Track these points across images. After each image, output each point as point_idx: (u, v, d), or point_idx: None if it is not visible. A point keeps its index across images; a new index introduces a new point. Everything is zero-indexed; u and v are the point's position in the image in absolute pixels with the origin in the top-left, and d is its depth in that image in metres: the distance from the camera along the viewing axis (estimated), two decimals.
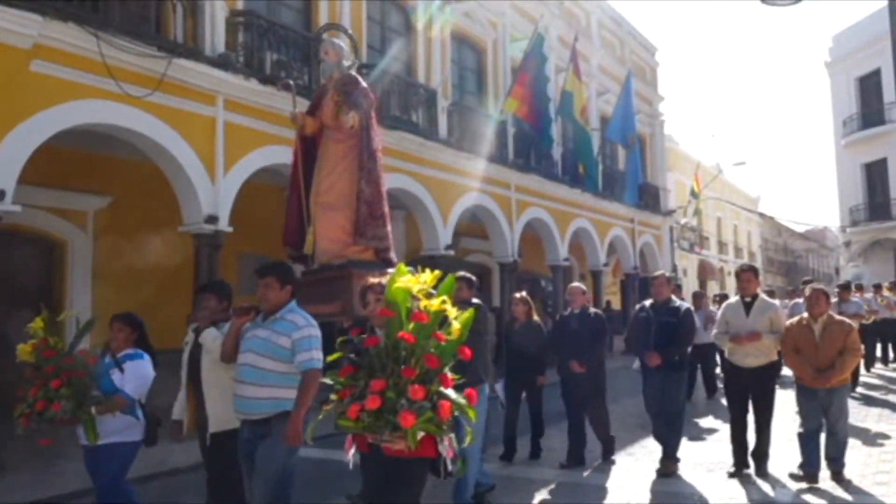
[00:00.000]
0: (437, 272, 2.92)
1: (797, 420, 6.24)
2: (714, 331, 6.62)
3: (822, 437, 5.96)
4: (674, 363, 6.44)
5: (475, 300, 5.32)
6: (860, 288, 14.02)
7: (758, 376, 6.19)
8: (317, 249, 5.22)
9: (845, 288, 12.12)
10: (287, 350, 3.98)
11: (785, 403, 8.22)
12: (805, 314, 6.02)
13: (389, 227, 5.26)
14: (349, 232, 5.09)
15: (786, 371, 8.85)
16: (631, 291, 21.55)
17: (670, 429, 6.46)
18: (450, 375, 2.75)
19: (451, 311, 2.80)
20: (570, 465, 6.88)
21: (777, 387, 6.73)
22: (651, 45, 25.68)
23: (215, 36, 9.53)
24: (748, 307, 6.24)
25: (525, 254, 17.14)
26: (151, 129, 8.67)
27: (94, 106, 8.11)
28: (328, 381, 2.99)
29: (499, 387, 6.90)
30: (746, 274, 6.38)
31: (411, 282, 2.84)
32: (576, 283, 7.39)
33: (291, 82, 5.54)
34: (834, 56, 30.08)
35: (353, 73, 5.59)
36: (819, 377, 5.72)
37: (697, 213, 29.75)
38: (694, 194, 28.24)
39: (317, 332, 4.09)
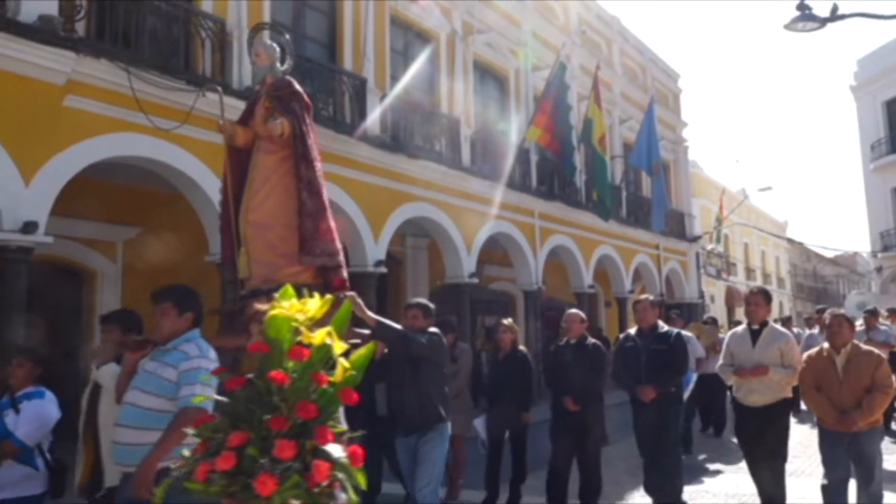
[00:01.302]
0: (329, 297, 2.25)
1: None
2: (719, 362, 5.83)
3: (853, 489, 5.14)
4: (669, 395, 5.86)
5: (432, 329, 4.94)
6: (894, 313, 12.74)
7: (765, 416, 5.36)
8: (251, 273, 4.61)
9: (872, 313, 10.99)
10: (173, 384, 3.35)
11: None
12: (826, 344, 5.15)
13: (339, 244, 4.61)
14: (281, 253, 4.45)
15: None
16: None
17: (670, 469, 5.85)
18: (333, 428, 2.11)
19: (338, 346, 2.18)
20: None
21: (795, 422, 6.05)
22: (673, 71, 25.70)
23: (242, 69, 9.72)
24: (755, 336, 5.48)
25: (549, 281, 17.06)
26: (180, 161, 8.83)
27: (125, 139, 8.29)
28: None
29: (479, 423, 6.45)
30: (755, 297, 5.59)
31: (294, 309, 2.21)
32: (573, 310, 6.72)
33: (219, 88, 4.91)
34: (859, 80, 29.83)
35: (288, 77, 5.01)
36: (844, 419, 4.85)
37: (720, 238, 29.43)
38: (719, 220, 28.00)
39: (210, 364, 3.44)
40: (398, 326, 4.56)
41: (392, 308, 15.37)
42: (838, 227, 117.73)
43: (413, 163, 12.43)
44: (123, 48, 8.34)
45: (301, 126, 4.66)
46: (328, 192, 11.09)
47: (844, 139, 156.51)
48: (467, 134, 14.24)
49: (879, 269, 29.41)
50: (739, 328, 5.79)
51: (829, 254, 51.02)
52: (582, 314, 6.55)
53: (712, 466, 8.41)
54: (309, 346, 2.15)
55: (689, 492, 6.96)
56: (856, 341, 5.12)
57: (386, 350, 4.79)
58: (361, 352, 2.30)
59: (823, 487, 5.10)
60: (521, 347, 6.72)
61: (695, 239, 25.16)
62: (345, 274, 4.61)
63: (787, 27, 8.32)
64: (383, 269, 11.87)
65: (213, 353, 3.56)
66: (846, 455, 4.95)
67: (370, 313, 4.30)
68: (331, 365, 2.19)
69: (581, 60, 18.79)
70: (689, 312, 23.27)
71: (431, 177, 12.91)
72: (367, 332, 4.24)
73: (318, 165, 4.69)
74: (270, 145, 4.67)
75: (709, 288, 28.92)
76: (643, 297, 6.31)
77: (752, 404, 5.40)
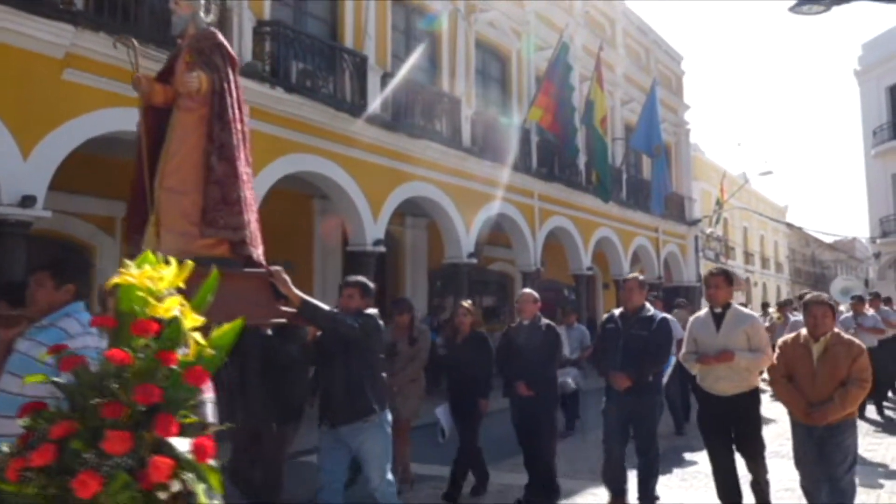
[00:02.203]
0: (189, 263, 1.92)
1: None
2: (682, 350, 5.38)
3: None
4: (646, 386, 5.34)
5: (370, 310, 4.55)
6: (888, 301, 12.09)
7: (735, 406, 5.00)
8: (161, 244, 4.14)
9: (860, 300, 10.52)
10: (51, 367, 2.71)
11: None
12: (804, 331, 4.69)
13: (250, 216, 4.10)
14: (196, 221, 4.02)
15: None
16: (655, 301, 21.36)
17: (646, 467, 5.44)
18: (185, 418, 1.73)
19: (191, 319, 1.82)
20: None
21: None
22: (677, 53, 25.53)
23: (242, 45, 9.64)
24: (719, 320, 5.10)
25: (548, 263, 17.09)
26: None
27: (124, 113, 8.22)
28: None
29: (440, 412, 6.14)
30: (715, 279, 5.17)
31: (147, 278, 1.84)
32: (527, 290, 6.33)
33: (134, 40, 4.34)
34: (863, 64, 29.66)
35: (212, 28, 4.58)
36: (813, 413, 4.45)
37: (719, 221, 29.44)
38: (719, 204, 27.99)
39: (97, 342, 2.90)
40: (326, 307, 4.13)
41: (391, 288, 15.42)
42: (838, 212, 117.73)
43: (413, 142, 12.38)
44: (122, 22, 8.27)
45: (221, 82, 4.17)
46: (327, 169, 11.12)
47: (847, 124, 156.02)
48: (468, 114, 14.17)
49: (878, 255, 29.44)
50: (702, 312, 5.39)
51: (828, 239, 51.16)
52: (535, 294, 6.18)
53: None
54: (159, 320, 1.81)
55: (681, 474, 7.02)
56: (838, 329, 4.68)
57: (318, 332, 4.55)
58: (226, 328, 1.91)
59: (804, 489, 4.71)
60: (481, 331, 6.33)
61: (694, 222, 25.15)
62: (252, 252, 4.05)
63: (792, 10, 8.25)
64: (382, 249, 11.87)
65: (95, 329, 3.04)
66: (816, 451, 4.54)
67: (296, 291, 3.94)
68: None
69: (584, 41, 18.66)
70: (687, 296, 23.33)
71: (431, 156, 12.87)
72: (293, 310, 3.92)
73: (239, 127, 4.20)
74: (190, 103, 4.19)
75: (707, 271, 28.94)
76: (632, 275, 5.84)
77: (721, 393, 5.02)
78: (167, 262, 1.91)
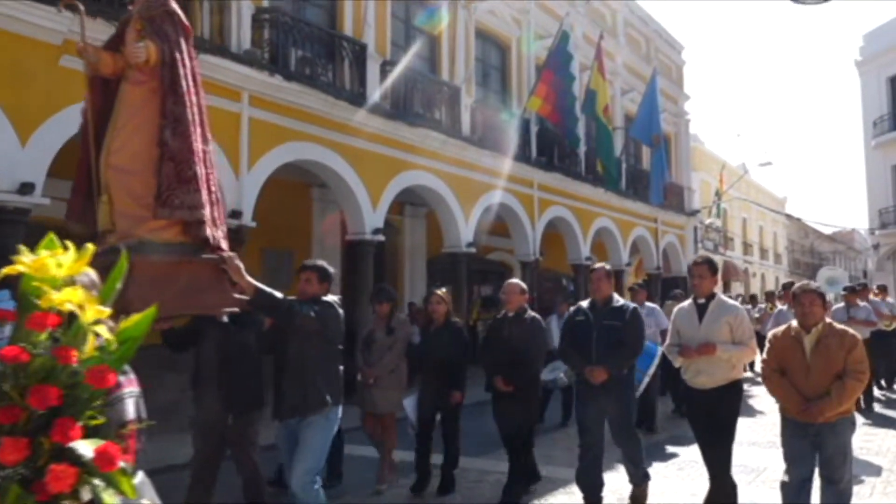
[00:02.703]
0: (91, 247, 1.72)
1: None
2: (666, 342, 5.26)
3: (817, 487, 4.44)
4: (621, 379, 5.18)
5: (327, 297, 4.32)
6: (883, 290, 11.99)
7: (714, 399, 4.82)
8: (116, 227, 3.86)
9: (852, 291, 10.26)
10: None
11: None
12: (794, 322, 4.47)
13: (207, 195, 3.76)
14: (146, 203, 3.68)
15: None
16: (654, 292, 21.39)
17: (633, 457, 5.35)
18: (92, 421, 1.53)
19: (92, 311, 1.59)
20: None
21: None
22: (678, 43, 25.43)
23: (241, 33, 9.60)
24: (702, 311, 4.92)
25: (547, 252, 17.08)
26: None
27: None
28: None
29: (408, 403, 5.97)
30: (699, 268, 4.99)
31: (44, 265, 1.62)
32: (514, 280, 6.13)
33: (80, 4, 3.92)
34: (864, 55, 29.57)
35: None
36: (808, 409, 4.20)
37: (720, 213, 29.43)
38: (718, 194, 27.97)
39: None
40: (280, 295, 3.89)
41: (390, 277, 15.41)
42: (837, 203, 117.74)
43: (412, 131, 12.35)
44: (120, 8, 8.21)
45: (172, 52, 3.85)
46: (326, 158, 11.08)
47: (847, 115, 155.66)
48: (468, 103, 14.13)
49: (877, 246, 29.47)
50: (685, 303, 5.20)
51: (827, 230, 51.11)
52: (522, 284, 5.98)
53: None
54: (59, 312, 1.59)
55: (678, 463, 7.05)
56: (830, 320, 4.45)
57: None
58: (137, 319, 1.69)
59: (783, 485, 4.43)
60: (456, 320, 6.13)
61: (693, 213, 25.14)
62: (209, 232, 3.67)
63: (794, 0, 8.23)
64: (381, 238, 11.86)
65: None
66: (811, 449, 4.29)
67: (248, 278, 3.73)
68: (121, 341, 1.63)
69: (584, 30, 18.59)
70: (685, 287, 23.35)
71: (431, 146, 12.84)
72: (245, 297, 3.75)
73: (195, 100, 3.89)
74: (139, 75, 3.86)
75: (691, 261, 28.93)
76: (599, 264, 5.56)
77: (701, 386, 4.86)
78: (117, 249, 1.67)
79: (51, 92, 7.53)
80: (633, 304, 5.45)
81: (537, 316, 5.83)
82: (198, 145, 3.82)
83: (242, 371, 4.67)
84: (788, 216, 43.12)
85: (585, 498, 5.20)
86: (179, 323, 4.60)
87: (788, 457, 4.41)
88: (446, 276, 13.88)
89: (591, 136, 18.41)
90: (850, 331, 4.38)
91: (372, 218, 11.63)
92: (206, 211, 3.69)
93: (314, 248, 14.03)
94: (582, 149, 17.70)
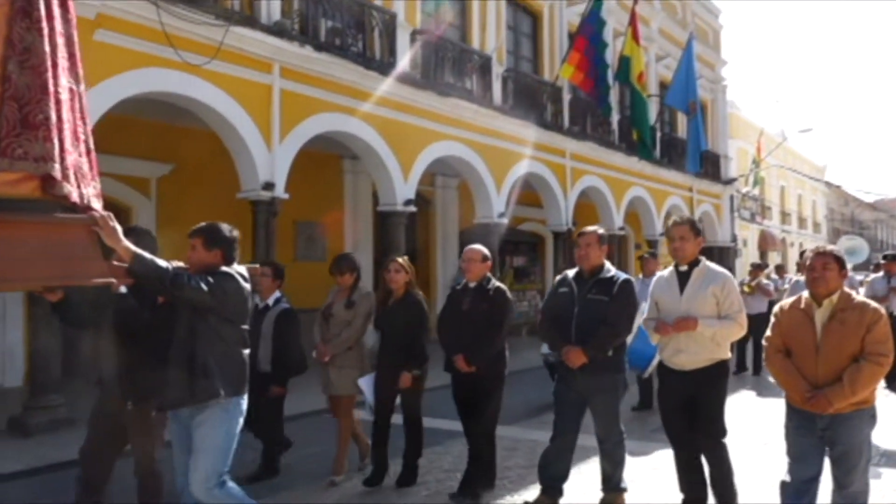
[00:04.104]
0: None
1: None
2: (643, 315, 4.68)
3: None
4: (605, 362, 4.45)
5: (224, 269, 3.62)
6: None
7: (695, 383, 4.21)
8: None
9: (894, 258, 9.29)
10: None
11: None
12: (805, 294, 3.74)
13: (72, 144, 3.22)
14: None
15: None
16: None
17: (609, 455, 4.62)
18: None
19: None
20: (459, 500, 4.93)
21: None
22: (714, 6, 24.76)
23: (271, 4, 9.58)
24: (684, 281, 4.30)
25: (579, 222, 16.92)
26: (210, 97, 8.82)
27: (155, 74, 8.28)
28: None
29: (364, 383, 5.32)
30: (679, 229, 4.30)
31: None
32: (475, 245, 5.30)
33: None
34: None
35: None
36: (816, 398, 3.51)
37: (759, 181, 28.81)
38: (755, 162, 27.37)
39: None
40: (164, 263, 3.33)
41: (421, 249, 15.46)
42: (879, 170, 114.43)
43: (443, 101, 12.26)
44: None
45: None
46: (356, 129, 11.07)
47: (892, 80, 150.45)
48: (499, 72, 13.96)
49: None
50: (665, 270, 4.54)
51: (869, 198, 49.84)
52: (484, 250, 5.17)
53: None
54: None
55: (652, 461, 6.09)
56: (849, 290, 3.69)
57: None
58: None
59: (783, 485, 3.79)
60: (417, 291, 5.38)
61: (730, 181, 24.69)
62: (68, 189, 3.05)
63: None
64: (413, 209, 11.86)
65: None
66: (819, 445, 3.64)
67: (126, 243, 3.19)
68: None
69: None
70: (721, 256, 23.02)
71: (462, 115, 12.74)
72: (124, 265, 3.24)
73: (59, 29, 3.23)
74: None
75: (742, 231, 28.49)
76: (590, 227, 4.81)
77: (680, 367, 4.25)
78: None
79: (86, 66, 7.56)
80: (624, 276, 4.61)
81: (502, 286, 5.09)
82: (56, 85, 3.15)
83: (141, 351, 3.94)
84: (828, 184, 42.09)
85: (543, 486, 4.62)
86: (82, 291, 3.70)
87: (792, 453, 3.77)
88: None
89: (624, 104, 18.11)
90: (873, 304, 3.63)
91: (403, 189, 11.62)
92: (58, 165, 3.03)
93: (346, 221, 14.13)
94: (615, 117, 17.43)
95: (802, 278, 7.32)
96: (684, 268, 4.32)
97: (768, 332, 3.85)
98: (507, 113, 13.77)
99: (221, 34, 8.64)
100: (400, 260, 5.36)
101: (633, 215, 19.61)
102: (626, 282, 4.56)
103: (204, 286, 3.44)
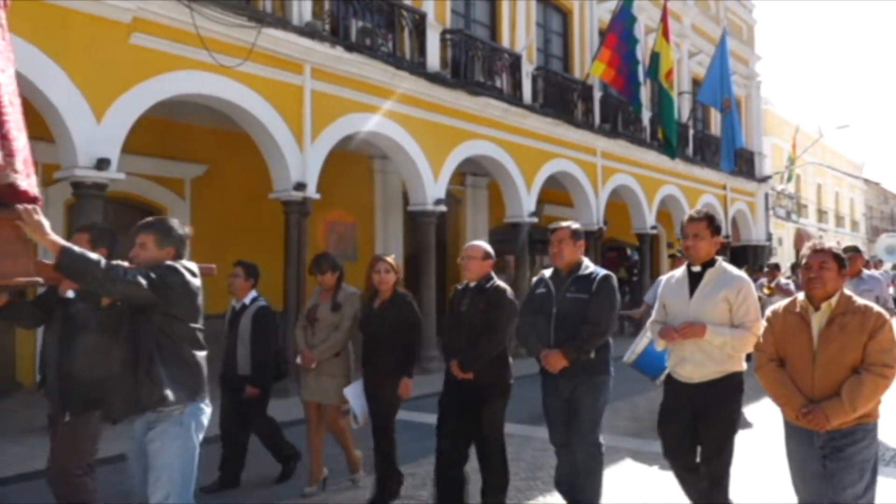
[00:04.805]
0: None
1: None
2: (651, 318, 4.20)
3: None
4: (587, 365, 4.13)
5: (170, 263, 3.28)
6: None
7: (702, 397, 3.76)
8: None
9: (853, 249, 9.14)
10: None
11: None
12: (801, 296, 3.36)
13: (9, 136, 2.81)
14: None
15: None
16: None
17: (581, 465, 4.18)
18: None
19: None
20: None
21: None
22: (748, 1, 24.38)
23: (302, 4, 9.65)
24: (695, 282, 3.88)
25: (611, 221, 16.80)
26: (242, 98, 8.91)
27: (190, 76, 8.40)
28: None
29: (351, 392, 4.95)
30: (695, 225, 3.87)
31: None
32: (476, 242, 4.87)
33: None
34: None
35: None
36: (813, 412, 3.14)
37: (793, 179, 28.30)
38: (791, 160, 26.88)
39: None
40: (96, 257, 2.97)
41: (451, 248, 15.45)
42: None
43: (473, 100, 12.24)
44: None
45: None
46: (387, 129, 11.10)
47: None
48: (529, 70, 13.90)
49: None
50: (677, 271, 4.13)
51: None
52: (486, 247, 4.70)
53: None
54: None
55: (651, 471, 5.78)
56: (850, 293, 3.30)
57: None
58: None
59: None
60: (404, 292, 5.01)
61: (764, 179, 24.27)
62: (25, 184, 2.84)
63: None
64: (443, 208, 11.87)
65: None
66: (820, 465, 3.21)
67: (53, 236, 2.88)
68: None
69: None
70: (755, 255, 22.66)
71: (492, 114, 12.71)
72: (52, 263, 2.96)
73: None
74: None
75: (777, 230, 28.02)
76: (563, 223, 4.45)
77: (687, 379, 3.84)
78: None
79: (122, 70, 7.74)
80: (604, 272, 4.29)
81: (502, 285, 4.60)
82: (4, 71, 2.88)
83: (83, 358, 3.69)
84: (866, 181, 41.15)
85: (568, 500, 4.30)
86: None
87: (794, 476, 3.38)
88: (508, 246, 13.83)
89: (655, 101, 17.91)
90: (877, 308, 3.23)
91: (433, 188, 11.63)
92: (18, 160, 2.83)
93: (377, 220, 14.19)
94: (647, 114, 17.25)
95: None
96: (697, 268, 3.90)
97: (760, 339, 3.49)
98: (537, 111, 13.71)
99: (254, 36, 8.73)
100: (388, 259, 4.99)
101: (665, 214, 19.38)
102: (606, 278, 4.24)
103: (142, 280, 3.07)
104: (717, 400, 3.75)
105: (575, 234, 4.33)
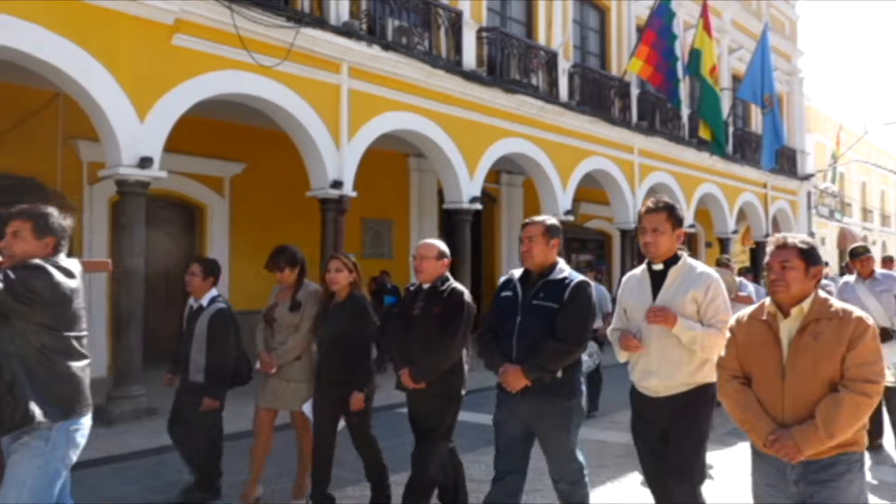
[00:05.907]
0: None
1: None
2: (610, 325, 3.71)
3: None
4: (553, 385, 3.52)
5: (42, 261, 2.92)
6: None
7: (671, 412, 3.35)
8: None
9: (888, 260, 8.21)
10: None
11: None
12: (768, 301, 2.81)
13: None
14: None
15: None
16: (761, 261, 20.44)
17: (567, 497, 3.62)
18: None
19: None
20: None
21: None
22: None
23: (340, 4, 9.73)
24: (658, 281, 3.44)
25: None
26: (281, 98, 9.03)
27: (230, 76, 8.53)
28: None
29: (308, 409, 4.60)
30: (653, 217, 3.41)
31: None
32: (429, 240, 4.38)
33: None
34: None
35: None
36: (782, 440, 2.61)
37: (835, 177, 27.65)
38: (834, 157, 26.26)
39: None
40: None
41: (487, 246, 15.45)
42: None
43: (509, 98, 12.21)
44: None
45: None
46: (423, 127, 11.15)
47: None
48: (565, 67, 13.81)
49: None
50: (637, 269, 3.63)
51: None
52: (440, 245, 4.26)
53: None
54: None
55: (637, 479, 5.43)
56: (825, 295, 2.74)
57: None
58: None
59: None
60: (361, 294, 4.59)
61: (807, 177, 23.74)
62: None
63: None
64: (478, 206, 11.86)
65: None
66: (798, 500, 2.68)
67: None
68: None
69: None
70: None
71: (528, 112, 12.67)
72: None
73: None
74: None
75: (820, 229, 27.40)
76: (537, 218, 3.80)
77: (653, 393, 3.41)
78: None
79: (165, 70, 7.90)
80: (579, 278, 3.63)
81: (459, 287, 4.18)
82: None
83: None
84: None
85: None
86: None
87: None
88: None
89: (694, 98, 17.64)
90: (857, 312, 2.66)
91: (469, 187, 11.64)
92: None
93: (412, 218, 14.26)
94: (685, 112, 17.01)
95: (853, 279, 6.27)
96: (659, 266, 3.44)
97: (722, 353, 2.96)
98: (573, 109, 13.61)
99: (292, 36, 8.83)
100: (342, 257, 4.56)
101: (703, 212, 19.10)
102: (581, 285, 3.58)
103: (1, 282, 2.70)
104: (685, 414, 3.33)
105: (548, 230, 3.68)
